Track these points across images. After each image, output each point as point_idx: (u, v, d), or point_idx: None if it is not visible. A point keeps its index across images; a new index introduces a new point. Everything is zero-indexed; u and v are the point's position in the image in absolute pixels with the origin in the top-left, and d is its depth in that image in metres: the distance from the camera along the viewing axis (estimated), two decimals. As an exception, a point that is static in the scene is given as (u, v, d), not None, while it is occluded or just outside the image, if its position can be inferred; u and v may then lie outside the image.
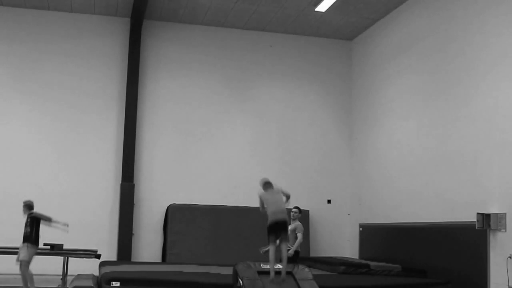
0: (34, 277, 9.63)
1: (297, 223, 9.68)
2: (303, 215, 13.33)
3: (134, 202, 12.75)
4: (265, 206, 8.19)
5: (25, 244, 9.32)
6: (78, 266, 10.76)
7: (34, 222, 9.36)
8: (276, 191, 8.33)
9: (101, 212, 12.72)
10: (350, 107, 14.28)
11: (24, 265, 9.30)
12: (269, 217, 7.98)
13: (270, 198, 8.17)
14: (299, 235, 9.47)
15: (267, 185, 8.36)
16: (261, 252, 8.96)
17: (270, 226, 7.93)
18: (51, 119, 12.81)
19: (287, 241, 8.25)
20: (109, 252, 12.25)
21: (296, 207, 9.98)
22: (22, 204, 9.64)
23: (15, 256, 9.78)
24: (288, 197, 8.39)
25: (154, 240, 12.89)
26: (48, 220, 9.44)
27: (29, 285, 9.37)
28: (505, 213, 8.62)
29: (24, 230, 9.36)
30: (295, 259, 9.18)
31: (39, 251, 9.96)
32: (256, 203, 12.88)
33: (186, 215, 12.80)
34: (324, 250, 13.67)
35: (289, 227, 9.41)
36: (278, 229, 7.92)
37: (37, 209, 9.72)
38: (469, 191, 9.50)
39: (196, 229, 12.75)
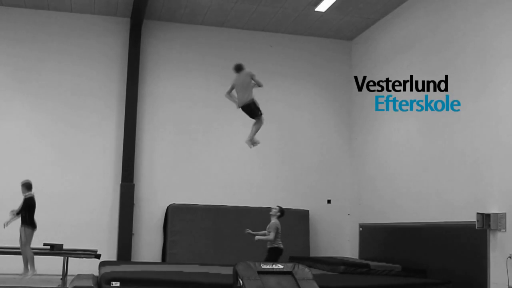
0: (34, 277, 9.65)
1: (273, 221, 9.64)
2: (303, 215, 13.43)
3: (134, 202, 12.76)
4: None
5: (22, 227, 9.47)
6: (78, 266, 10.75)
7: (26, 205, 9.55)
8: (245, 74, 9.24)
9: (101, 212, 12.72)
10: (350, 107, 14.28)
11: (24, 246, 9.48)
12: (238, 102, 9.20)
13: (239, 83, 9.23)
14: (272, 234, 9.43)
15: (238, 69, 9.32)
16: (246, 232, 9.75)
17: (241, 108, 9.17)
18: (51, 119, 12.81)
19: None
20: (109, 252, 12.25)
21: (278, 206, 9.94)
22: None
23: (15, 256, 9.81)
24: (259, 85, 9.28)
25: (154, 240, 12.90)
26: (23, 211, 9.49)
27: (29, 266, 9.55)
28: (505, 213, 8.63)
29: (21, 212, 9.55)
30: (274, 257, 9.25)
31: (39, 251, 9.98)
32: (255, 203, 13.07)
33: (186, 215, 12.80)
34: (324, 250, 13.68)
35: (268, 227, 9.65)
36: (247, 110, 9.22)
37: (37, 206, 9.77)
38: (469, 191, 9.50)
39: (196, 229, 12.75)
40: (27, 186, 9.76)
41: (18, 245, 9.77)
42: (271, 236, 9.45)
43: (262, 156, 13.71)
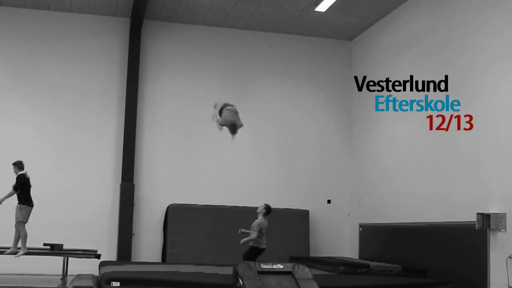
0: (34, 277, 9.65)
1: (257, 219, 9.58)
2: (303, 215, 13.42)
3: (134, 202, 12.76)
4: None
5: (18, 205, 9.63)
6: (78, 266, 10.73)
7: (19, 182, 9.62)
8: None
9: (101, 212, 12.72)
10: (350, 107, 14.28)
11: (19, 224, 9.56)
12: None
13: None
14: (254, 233, 9.38)
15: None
16: (239, 232, 9.76)
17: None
18: (51, 119, 12.81)
19: None
20: (109, 252, 12.25)
21: (265, 204, 9.83)
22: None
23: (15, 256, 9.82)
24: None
25: (154, 240, 12.90)
26: (14, 190, 9.58)
27: (21, 244, 9.58)
28: (505, 213, 8.63)
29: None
30: (254, 256, 9.23)
31: (37, 251, 9.98)
32: (255, 203, 13.04)
33: (186, 215, 12.80)
34: (324, 250, 13.68)
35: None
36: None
37: (36, 205, 9.80)
38: (469, 191, 9.50)
39: (196, 229, 12.75)
40: (19, 165, 9.81)
41: (17, 245, 9.77)
42: (254, 235, 9.36)
43: (262, 156, 13.73)
